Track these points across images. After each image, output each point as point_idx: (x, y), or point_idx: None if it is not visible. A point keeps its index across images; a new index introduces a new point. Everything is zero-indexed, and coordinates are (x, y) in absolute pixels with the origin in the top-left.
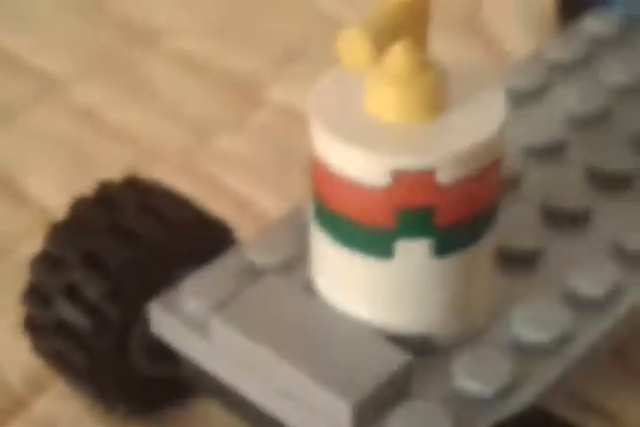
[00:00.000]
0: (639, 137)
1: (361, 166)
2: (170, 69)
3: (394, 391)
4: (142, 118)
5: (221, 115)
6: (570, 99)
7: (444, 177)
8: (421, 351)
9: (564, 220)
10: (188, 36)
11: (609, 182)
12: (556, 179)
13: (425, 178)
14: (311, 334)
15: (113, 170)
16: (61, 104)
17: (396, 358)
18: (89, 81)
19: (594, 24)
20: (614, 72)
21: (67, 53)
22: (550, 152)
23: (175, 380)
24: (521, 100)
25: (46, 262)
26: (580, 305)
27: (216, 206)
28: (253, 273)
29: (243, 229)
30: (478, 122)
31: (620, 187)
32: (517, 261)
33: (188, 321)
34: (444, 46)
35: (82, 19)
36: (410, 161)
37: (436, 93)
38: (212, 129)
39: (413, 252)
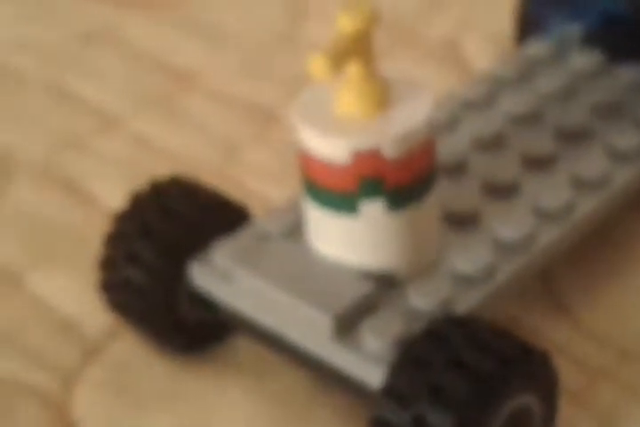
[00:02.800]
0: (562, 128)
1: (328, 149)
2: (203, 102)
3: (363, 308)
4: (183, 141)
5: (246, 134)
6: (510, 103)
7: (388, 154)
8: (386, 281)
9: (498, 191)
10: (216, 75)
11: (534, 162)
12: (495, 162)
13: (374, 155)
14: (304, 274)
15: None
16: (121, 132)
17: (363, 285)
18: (141, 114)
19: (532, 48)
20: (545, 83)
21: (124, 93)
22: (493, 143)
23: (213, 322)
24: (472, 105)
25: (113, 237)
26: (502, 248)
27: (238, 197)
28: (264, 236)
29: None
30: (411, 115)
31: (544, 166)
32: (461, 220)
33: (219, 272)
34: (423, 67)
35: (134, 65)
36: (361, 143)
37: (381, 96)
38: (239, 145)
39: (372, 208)
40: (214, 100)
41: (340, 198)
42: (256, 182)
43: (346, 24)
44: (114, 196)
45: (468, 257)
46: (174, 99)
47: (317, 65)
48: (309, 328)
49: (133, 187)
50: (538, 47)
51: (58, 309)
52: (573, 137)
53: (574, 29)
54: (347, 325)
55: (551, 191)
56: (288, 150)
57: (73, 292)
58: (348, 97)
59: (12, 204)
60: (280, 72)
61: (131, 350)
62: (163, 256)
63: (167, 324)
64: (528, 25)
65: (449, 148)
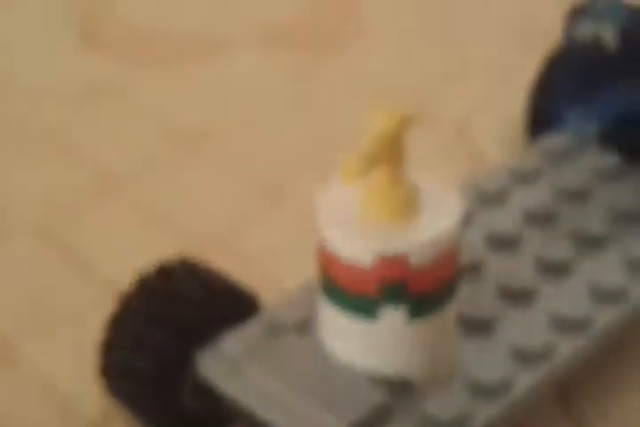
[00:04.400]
0: (579, 233)
1: (353, 251)
2: (211, 169)
3: (378, 416)
4: (190, 211)
5: (255, 208)
6: (526, 200)
7: (415, 260)
8: (402, 388)
9: (515, 296)
10: (225, 140)
11: (550, 268)
12: (510, 265)
13: (400, 260)
14: (317, 376)
15: (166, 252)
16: (123, 196)
17: (379, 391)
18: (145, 178)
19: (548, 143)
20: (563, 179)
21: (128, 154)
22: (507, 243)
23: (215, 412)
24: (486, 199)
25: (117, 320)
26: (520, 358)
27: (247, 280)
28: (276, 329)
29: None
30: (439, 221)
31: (560, 271)
32: (477, 326)
33: (228, 365)
34: (436, 156)
35: (139, 124)
36: (387, 248)
37: (408, 201)
38: (247, 219)
39: (393, 315)
40: (223, 167)
41: (360, 302)
42: (265, 262)
43: (378, 125)
44: (113, 266)
45: (485, 367)
46: (181, 163)
47: (348, 168)
48: None
49: (134, 257)
50: (554, 143)
51: (54, 384)
52: (590, 242)
53: (591, 128)
54: None
55: (570, 301)
56: (299, 228)
57: (70, 368)
58: (374, 201)
59: (7, 263)
60: (291, 142)
61: None
62: (170, 343)
63: (168, 412)
64: (540, 118)
65: (463, 246)
